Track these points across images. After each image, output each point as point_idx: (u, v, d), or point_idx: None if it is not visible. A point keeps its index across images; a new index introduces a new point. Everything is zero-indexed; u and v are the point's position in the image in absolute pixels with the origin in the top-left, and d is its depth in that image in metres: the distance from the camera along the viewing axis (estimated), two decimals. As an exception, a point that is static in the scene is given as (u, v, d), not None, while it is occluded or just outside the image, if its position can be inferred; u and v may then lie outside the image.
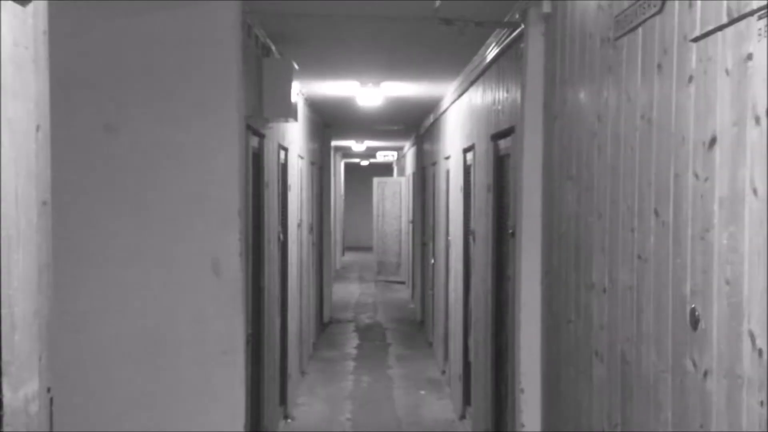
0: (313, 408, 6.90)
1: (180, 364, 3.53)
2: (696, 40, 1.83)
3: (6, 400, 1.54)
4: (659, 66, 2.08)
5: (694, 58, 1.85)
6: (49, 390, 1.76)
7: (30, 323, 1.65)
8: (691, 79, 1.86)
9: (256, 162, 4.53)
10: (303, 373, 7.90)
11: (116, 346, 3.51)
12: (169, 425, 3.53)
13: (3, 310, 1.53)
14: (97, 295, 3.50)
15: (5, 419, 1.53)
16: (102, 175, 3.51)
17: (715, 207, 1.71)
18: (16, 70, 1.65)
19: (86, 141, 3.49)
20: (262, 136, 4.69)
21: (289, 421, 6.38)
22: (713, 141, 1.72)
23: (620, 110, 2.41)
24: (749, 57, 1.58)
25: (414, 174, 12.66)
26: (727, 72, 1.67)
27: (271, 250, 5.16)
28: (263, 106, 4.61)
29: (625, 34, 2.36)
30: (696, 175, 1.82)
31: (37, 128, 1.72)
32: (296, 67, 4.85)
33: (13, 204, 1.60)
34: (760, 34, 1.52)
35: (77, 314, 3.47)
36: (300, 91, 6.83)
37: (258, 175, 4.62)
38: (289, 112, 4.75)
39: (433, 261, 9.05)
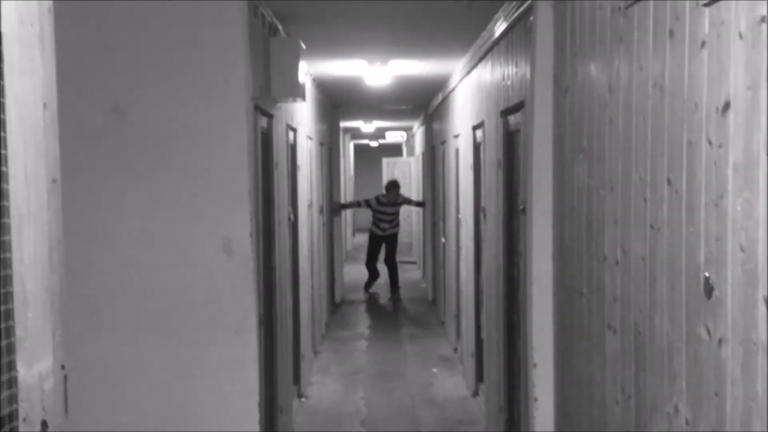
0: (327, 387, 6.94)
1: (193, 344, 3.55)
2: (708, 4, 1.80)
3: (20, 377, 1.55)
4: (671, 32, 2.05)
5: (706, 23, 1.82)
6: (63, 367, 1.77)
7: (42, 300, 1.66)
8: (703, 44, 1.83)
9: (265, 142, 4.52)
10: (316, 353, 7.93)
11: (130, 327, 3.53)
12: (183, 404, 3.56)
13: (15, 287, 1.54)
14: (110, 276, 3.52)
15: (20, 395, 1.54)
16: (111, 157, 3.52)
17: (729, 173, 1.69)
18: (22, 48, 1.64)
19: (95, 122, 3.49)
20: (270, 117, 4.68)
21: (303, 399, 6.42)
22: (727, 106, 1.70)
23: (632, 80, 2.38)
24: (763, 19, 1.55)
25: (423, 154, 12.62)
26: (740, 35, 1.65)
27: (282, 230, 5.16)
28: (271, 86, 4.59)
29: (636, 2, 2.32)
30: (709, 142, 1.79)
31: (45, 106, 1.71)
32: (303, 46, 4.83)
33: (22, 181, 1.60)
34: (774, -5, 1.49)
35: (91, 296, 3.49)
36: (308, 71, 6.80)
37: (267, 155, 4.61)
38: (297, 92, 4.73)
39: (444, 240, 9.05)
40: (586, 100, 2.95)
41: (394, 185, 11.77)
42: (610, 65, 2.60)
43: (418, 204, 12.51)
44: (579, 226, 3.07)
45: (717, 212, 1.76)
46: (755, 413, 1.57)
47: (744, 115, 1.63)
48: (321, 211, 8.73)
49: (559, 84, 3.42)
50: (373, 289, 12.16)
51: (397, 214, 11.87)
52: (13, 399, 1.54)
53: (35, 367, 1.62)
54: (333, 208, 10.75)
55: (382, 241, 11.87)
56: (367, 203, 11.75)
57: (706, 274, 1.81)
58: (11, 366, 1.54)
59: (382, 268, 11.98)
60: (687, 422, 1.93)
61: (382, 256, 11.93)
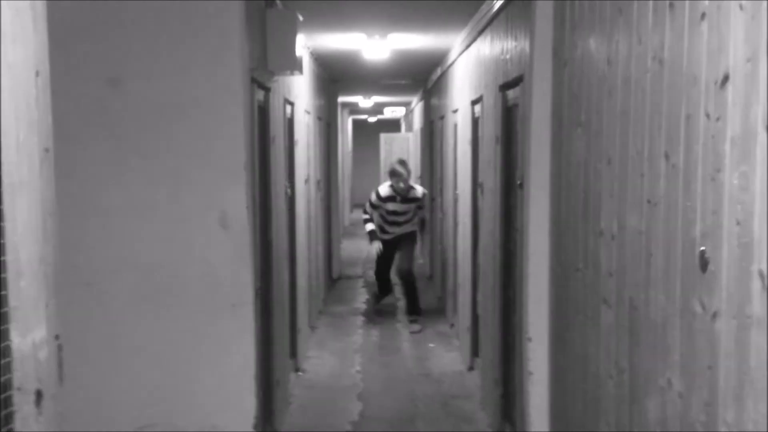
0: (324, 361, 6.98)
1: (190, 316, 3.56)
2: (709, -25, 1.78)
3: (14, 346, 1.55)
4: (671, 4, 2.03)
5: (707, -6, 1.80)
6: (57, 337, 1.77)
7: (36, 270, 1.65)
8: (703, 16, 1.81)
9: (261, 116, 4.50)
10: (313, 327, 7.96)
11: (126, 299, 3.53)
12: (178, 376, 3.57)
13: (8, 257, 1.53)
14: (106, 248, 3.51)
15: (14, 364, 1.55)
16: (107, 129, 3.50)
17: (727, 147, 1.68)
18: (13, 15, 1.62)
19: (90, 93, 3.47)
20: (267, 90, 4.65)
21: (300, 374, 6.45)
22: (726, 79, 1.68)
23: (631, 53, 2.36)
24: (764, -10, 1.53)
25: (422, 129, 12.58)
26: (740, 7, 1.63)
27: (279, 204, 5.15)
28: (268, 59, 4.55)
29: (636, -26, 2.30)
30: (707, 115, 1.78)
31: (37, 74, 1.70)
32: (300, 18, 4.78)
33: (14, 150, 1.58)
34: (775, -35, 1.47)
35: (87, 267, 3.49)
36: (305, 44, 6.74)
37: (264, 129, 4.59)
38: (294, 65, 4.69)
39: (441, 215, 9.05)
40: (585, 74, 2.93)
41: (394, 173, 7.87)
42: (610, 38, 2.58)
43: (422, 220, 8.43)
44: (576, 201, 3.07)
45: (714, 186, 1.75)
46: (748, 386, 1.58)
47: (743, 87, 1.61)
48: (318, 186, 8.70)
49: (558, 58, 3.39)
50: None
51: (411, 213, 8.10)
52: (7, 368, 1.54)
53: (29, 337, 1.62)
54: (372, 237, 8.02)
55: (394, 246, 8.14)
56: (372, 206, 8.13)
57: (702, 248, 1.81)
58: (5, 335, 1.54)
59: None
60: (680, 395, 1.94)
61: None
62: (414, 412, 5.70)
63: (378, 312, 8.57)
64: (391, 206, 7.99)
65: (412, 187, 8.04)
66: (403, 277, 8.12)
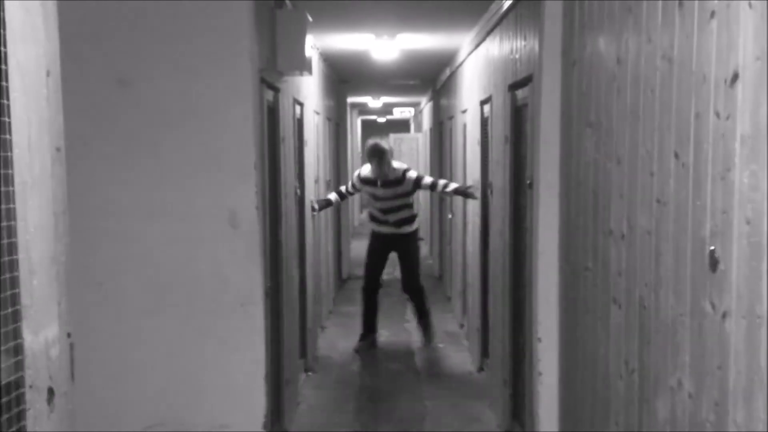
0: (333, 361, 6.98)
1: (200, 316, 3.57)
2: (719, -26, 1.77)
3: (26, 344, 1.56)
4: (680, 4, 2.02)
5: (716, -7, 1.80)
6: (69, 335, 1.78)
7: (47, 268, 1.66)
8: (713, 14, 1.81)
9: (271, 116, 4.51)
10: (322, 327, 7.97)
11: (137, 298, 3.55)
12: (189, 375, 3.59)
13: (20, 255, 1.55)
14: (118, 247, 3.53)
15: (26, 362, 1.56)
16: (117, 129, 3.52)
17: (737, 145, 1.67)
18: (24, 14, 1.63)
19: (100, 93, 3.49)
20: (276, 90, 4.66)
21: (309, 373, 6.46)
22: (735, 77, 1.68)
23: (640, 52, 2.35)
24: (774, -12, 1.52)
25: (431, 129, 12.58)
26: (750, 5, 1.62)
27: (288, 204, 5.16)
28: (277, 59, 4.56)
29: (645, -27, 2.29)
30: (717, 114, 1.78)
31: (48, 73, 1.71)
32: (310, 18, 4.79)
33: (26, 150, 1.60)
34: (786, -37, 1.47)
35: (98, 266, 3.51)
36: (314, 45, 6.76)
37: (273, 129, 4.60)
38: (304, 65, 4.70)
39: (450, 216, 9.05)
40: (594, 73, 2.92)
41: (374, 152, 6.51)
42: (619, 37, 2.57)
43: (462, 193, 6.53)
44: (585, 200, 3.06)
45: (723, 185, 1.75)
46: (758, 386, 1.57)
47: (752, 86, 1.61)
48: (328, 186, 8.72)
49: (567, 57, 3.39)
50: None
51: (400, 200, 6.71)
52: (19, 366, 1.56)
53: (41, 335, 1.63)
54: (312, 211, 6.57)
55: (387, 246, 6.88)
56: (348, 192, 7.05)
57: (712, 248, 1.80)
58: (17, 333, 1.55)
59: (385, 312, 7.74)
60: (690, 396, 1.94)
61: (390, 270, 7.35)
62: (423, 412, 5.70)
63: (361, 346, 7.23)
64: (375, 192, 6.69)
65: (394, 169, 6.59)
66: (409, 289, 7.14)
